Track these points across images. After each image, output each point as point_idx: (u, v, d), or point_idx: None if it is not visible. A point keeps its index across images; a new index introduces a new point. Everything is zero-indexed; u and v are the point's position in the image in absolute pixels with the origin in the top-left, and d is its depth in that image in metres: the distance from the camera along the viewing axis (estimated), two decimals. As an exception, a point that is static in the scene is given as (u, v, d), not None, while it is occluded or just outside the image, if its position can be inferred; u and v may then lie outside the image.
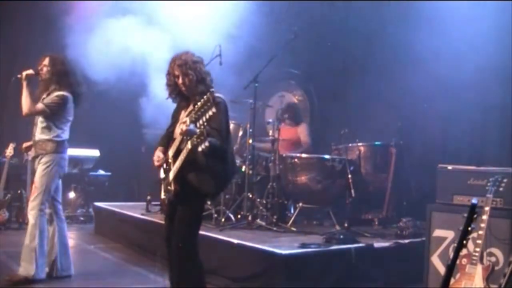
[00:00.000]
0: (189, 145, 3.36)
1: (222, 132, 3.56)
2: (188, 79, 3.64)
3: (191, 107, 3.61)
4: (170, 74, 3.73)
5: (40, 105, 4.74)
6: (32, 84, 4.81)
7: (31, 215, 4.70)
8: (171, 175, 3.62)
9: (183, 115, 3.74)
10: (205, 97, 3.26)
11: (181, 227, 3.61)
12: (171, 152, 3.68)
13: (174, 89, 3.76)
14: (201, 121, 3.25)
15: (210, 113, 3.22)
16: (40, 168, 4.78)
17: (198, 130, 3.26)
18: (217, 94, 3.47)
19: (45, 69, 4.84)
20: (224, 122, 3.62)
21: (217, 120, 3.47)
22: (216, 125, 3.48)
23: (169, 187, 3.64)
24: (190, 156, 3.45)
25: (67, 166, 4.96)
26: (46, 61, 4.86)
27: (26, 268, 4.64)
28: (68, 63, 4.97)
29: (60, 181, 5.00)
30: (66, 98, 4.82)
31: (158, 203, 6.54)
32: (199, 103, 3.28)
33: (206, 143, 3.23)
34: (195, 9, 7.37)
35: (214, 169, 3.55)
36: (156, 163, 3.79)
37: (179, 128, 3.63)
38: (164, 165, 3.75)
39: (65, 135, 4.91)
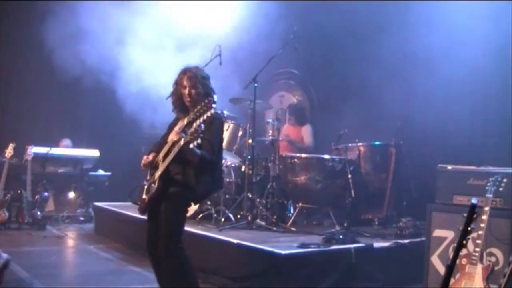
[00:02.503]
0: (181, 142, 3.45)
1: (214, 145, 3.69)
2: (196, 92, 3.75)
3: (189, 116, 3.72)
4: (177, 85, 3.84)
5: None
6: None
7: None
8: (158, 173, 3.69)
9: (179, 125, 3.81)
10: (205, 100, 3.42)
11: (167, 228, 3.64)
12: (161, 154, 3.74)
13: (177, 99, 3.86)
14: (198, 122, 3.39)
15: (209, 113, 3.36)
16: None
17: (192, 128, 3.37)
18: (216, 110, 3.63)
19: None
20: (216, 135, 3.75)
21: (211, 131, 3.63)
22: (209, 137, 3.60)
23: (152, 185, 3.69)
24: (179, 156, 3.53)
25: None
26: None
27: None
28: None
29: None
30: None
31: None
32: (198, 106, 3.44)
33: (199, 140, 3.34)
34: (196, 10, 7.38)
35: (201, 175, 3.65)
36: (142, 162, 3.86)
37: (172, 135, 3.72)
38: (152, 167, 3.82)
39: None
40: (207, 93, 3.75)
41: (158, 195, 3.67)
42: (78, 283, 4.94)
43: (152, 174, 3.79)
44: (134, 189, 4.04)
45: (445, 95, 6.65)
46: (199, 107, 3.42)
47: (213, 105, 3.38)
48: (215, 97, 3.40)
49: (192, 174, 3.62)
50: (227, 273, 4.78)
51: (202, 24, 7.31)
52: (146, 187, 3.81)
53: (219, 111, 3.80)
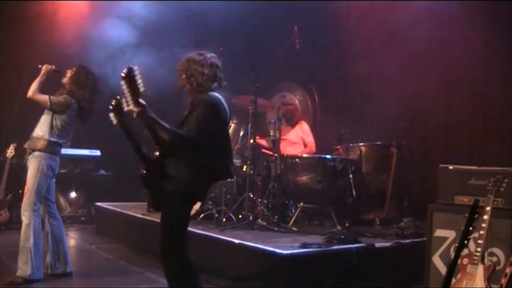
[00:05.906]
0: (134, 115, 3.51)
1: (200, 125, 3.44)
2: (202, 77, 3.60)
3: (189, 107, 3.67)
4: (180, 71, 3.70)
5: (44, 96, 4.82)
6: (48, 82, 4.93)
7: (25, 216, 4.71)
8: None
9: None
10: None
11: (163, 229, 3.52)
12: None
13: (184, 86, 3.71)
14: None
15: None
16: (30, 168, 4.80)
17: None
18: (211, 93, 3.56)
19: (68, 74, 4.98)
20: (206, 116, 3.48)
21: (199, 113, 3.46)
22: (196, 117, 3.47)
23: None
24: (165, 149, 3.47)
25: (57, 168, 4.95)
26: (74, 69, 5.00)
27: (23, 269, 4.65)
28: (90, 77, 5.02)
29: (53, 181, 5.00)
30: (70, 102, 4.88)
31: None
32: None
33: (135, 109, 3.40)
34: (195, 9, 7.38)
35: (195, 167, 3.47)
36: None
37: None
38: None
39: (60, 139, 4.92)
40: (197, 77, 3.59)
41: (158, 193, 3.59)
42: (78, 283, 4.94)
43: None
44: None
45: (447, 95, 6.65)
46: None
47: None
48: (213, 93, 3.32)
49: (185, 168, 3.45)
50: (229, 273, 4.78)
51: (202, 23, 7.30)
52: None
53: (212, 93, 3.59)
